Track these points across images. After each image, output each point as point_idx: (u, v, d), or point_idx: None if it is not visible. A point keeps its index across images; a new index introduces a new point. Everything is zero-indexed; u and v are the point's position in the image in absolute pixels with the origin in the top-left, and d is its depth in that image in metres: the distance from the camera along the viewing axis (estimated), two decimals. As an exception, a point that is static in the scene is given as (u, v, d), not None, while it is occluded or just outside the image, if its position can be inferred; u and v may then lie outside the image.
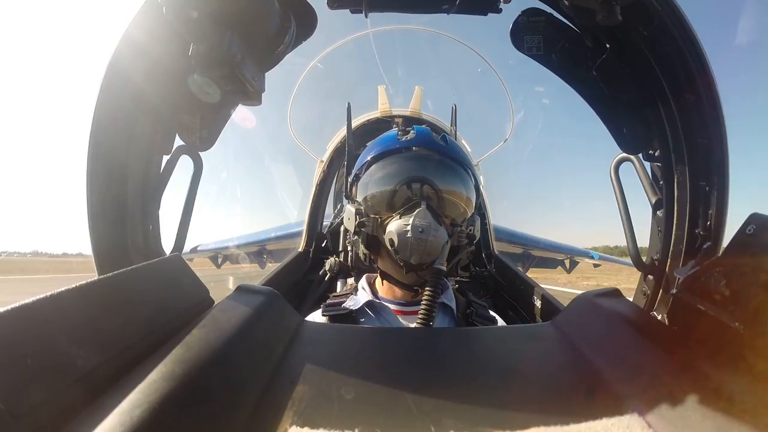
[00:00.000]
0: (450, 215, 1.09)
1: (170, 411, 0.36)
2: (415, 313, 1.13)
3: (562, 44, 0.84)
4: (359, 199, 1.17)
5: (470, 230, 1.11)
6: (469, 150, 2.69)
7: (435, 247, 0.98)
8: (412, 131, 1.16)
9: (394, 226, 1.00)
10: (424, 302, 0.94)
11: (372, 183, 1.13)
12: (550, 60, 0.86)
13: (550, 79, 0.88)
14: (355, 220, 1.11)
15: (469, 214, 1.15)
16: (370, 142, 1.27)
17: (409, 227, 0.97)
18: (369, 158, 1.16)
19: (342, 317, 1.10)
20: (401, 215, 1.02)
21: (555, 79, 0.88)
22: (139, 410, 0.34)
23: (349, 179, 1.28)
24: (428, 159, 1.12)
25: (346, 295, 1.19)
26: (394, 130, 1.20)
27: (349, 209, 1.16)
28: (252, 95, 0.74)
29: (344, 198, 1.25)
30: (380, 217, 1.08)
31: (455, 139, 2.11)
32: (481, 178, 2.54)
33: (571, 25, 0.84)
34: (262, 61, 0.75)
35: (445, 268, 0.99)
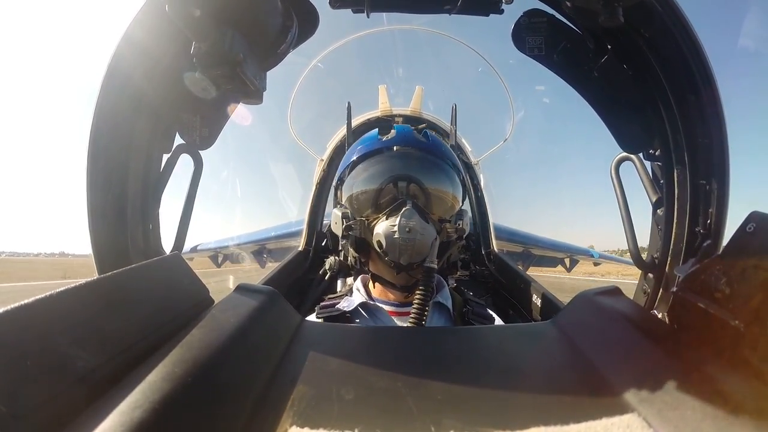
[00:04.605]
0: (437, 212, 1.08)
1: (170, 411, 0.36)
2: (410, 314, 1.12)
3: (564, 45, 0.84)
4: (345, 202, 1.15)
5: (459, 224, 1.09)
6: (469, 149, 2.68)
7: (424, 246, 0.97)
8: (392, 130, 1.15)
9: (382, 227, 0.99)
10: (416, 302, 0.93)
11: (356, 185, 1.11)
12: (551, 61, 0.85)
13: (551, 78, 0.88)
14: (342, 223, 1.10)
15: (457, 209, 1.14)
16: (352, 144, 1.25)
17: (396, 228, 0.95)
18: (351, 160, 1.15)
19: (335, 319, 1.08)
20: (387, 216, 1.00)
21: (555, 78, 0.88)
22: (140, 411, 0.34)
23: (334, 183, 1.26)
24: (410, 157, 1.11)
25: (341, 297, 1.17)
26: (375, 131, 1.19)
27: (336, 213, 1.14)
28: (253, 94, 0.73)
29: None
30: (367, 219, 1.06)
31: (455, 139, 2.10)
32: (481, 177, 2.53)
33: (572, 26, 0.84)
34: (263, 59, 0.75)
35: (436, 266, 0.98)
